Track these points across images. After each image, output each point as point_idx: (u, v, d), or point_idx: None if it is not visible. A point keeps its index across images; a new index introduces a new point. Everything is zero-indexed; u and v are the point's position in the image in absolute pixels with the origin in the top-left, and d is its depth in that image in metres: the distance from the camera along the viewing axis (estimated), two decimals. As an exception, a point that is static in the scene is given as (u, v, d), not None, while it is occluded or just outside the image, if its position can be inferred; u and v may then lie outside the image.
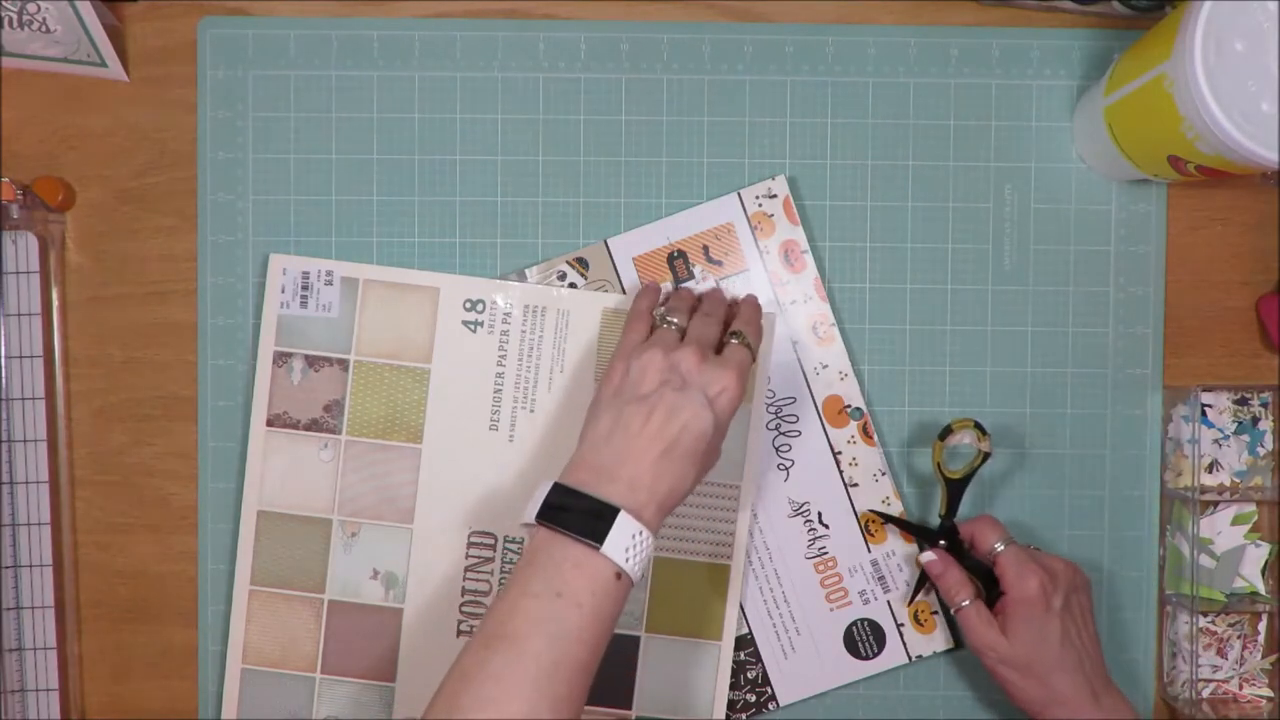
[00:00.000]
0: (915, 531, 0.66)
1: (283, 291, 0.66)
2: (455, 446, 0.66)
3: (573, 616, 0.51)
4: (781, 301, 0.67)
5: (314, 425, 0.66)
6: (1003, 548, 0.62)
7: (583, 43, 0.67)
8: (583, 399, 0.65)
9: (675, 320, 0.61)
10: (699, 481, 0.57)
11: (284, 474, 0.66)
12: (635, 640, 0.65)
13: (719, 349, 0.59)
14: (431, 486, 0.66)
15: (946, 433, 0.65)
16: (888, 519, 0.66)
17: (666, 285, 0.67)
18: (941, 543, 0.64)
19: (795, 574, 0.67)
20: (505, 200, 0.67)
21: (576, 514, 0.53)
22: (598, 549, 0.52)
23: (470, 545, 0.66)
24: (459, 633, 0.65)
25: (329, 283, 0.66)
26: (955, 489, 0.65)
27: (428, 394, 0.66)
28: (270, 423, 0.66)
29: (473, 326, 0.66)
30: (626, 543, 0.52)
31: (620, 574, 0.52)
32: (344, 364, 0.66)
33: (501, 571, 0.65)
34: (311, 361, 0.66)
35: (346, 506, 0.66)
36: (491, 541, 0.66)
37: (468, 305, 0.66)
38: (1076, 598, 0.62)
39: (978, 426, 0.65)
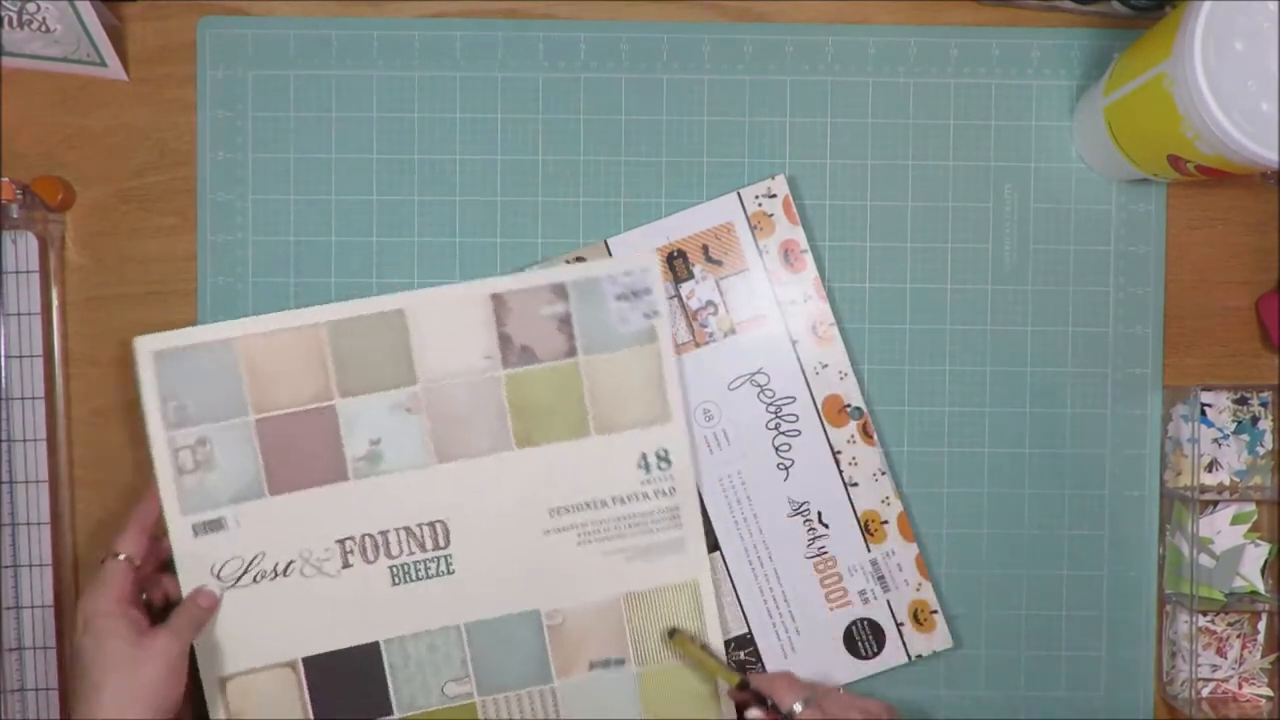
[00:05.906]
0: (719, 669, 0.64)
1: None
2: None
3: None
4: (781, 301, 0.67)
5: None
6: (800, 709, 0.59)
7: (582, 42, 0.67)
8: None
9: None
10: None
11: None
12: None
13: None
14: None
15: (674, 631, 0.64)
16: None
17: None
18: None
19: (795, 574, 0.67)
20: (505, 200, 0.67)
21: None
22: None
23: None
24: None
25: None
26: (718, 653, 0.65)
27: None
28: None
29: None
30: None
31: None
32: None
33: None
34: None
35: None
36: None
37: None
38: None
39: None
